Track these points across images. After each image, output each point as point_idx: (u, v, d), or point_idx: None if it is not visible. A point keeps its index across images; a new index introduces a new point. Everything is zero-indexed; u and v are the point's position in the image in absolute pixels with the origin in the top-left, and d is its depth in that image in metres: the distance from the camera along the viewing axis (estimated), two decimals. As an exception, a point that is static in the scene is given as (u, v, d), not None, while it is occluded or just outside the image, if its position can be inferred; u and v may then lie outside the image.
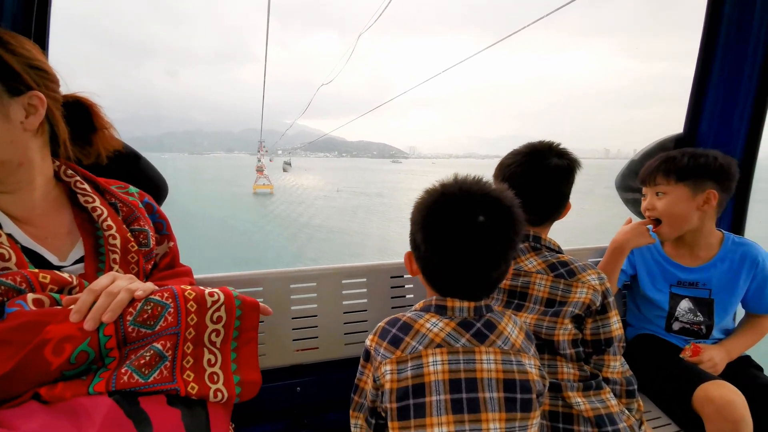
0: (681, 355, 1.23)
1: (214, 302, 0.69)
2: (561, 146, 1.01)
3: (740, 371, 1.24)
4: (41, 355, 0.57)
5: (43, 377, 0.58)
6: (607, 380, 0.95)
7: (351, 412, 0.81)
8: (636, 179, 1.69)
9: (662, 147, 1.63)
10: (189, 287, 0.69)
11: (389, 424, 0.68)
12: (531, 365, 0.72)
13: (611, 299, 0.96)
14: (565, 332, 0.92)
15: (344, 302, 1.26)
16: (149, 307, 0.65)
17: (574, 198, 1.06)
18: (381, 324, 0.76)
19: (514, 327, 0.75)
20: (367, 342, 0.75)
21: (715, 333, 1.30)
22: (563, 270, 0.97)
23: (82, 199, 0.82)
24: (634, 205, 1.69)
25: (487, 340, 0.70)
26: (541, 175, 0.98)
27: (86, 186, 0.84)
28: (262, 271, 1.20)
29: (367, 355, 0.75)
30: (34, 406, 0.57)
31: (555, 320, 0.92)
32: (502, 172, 1.02)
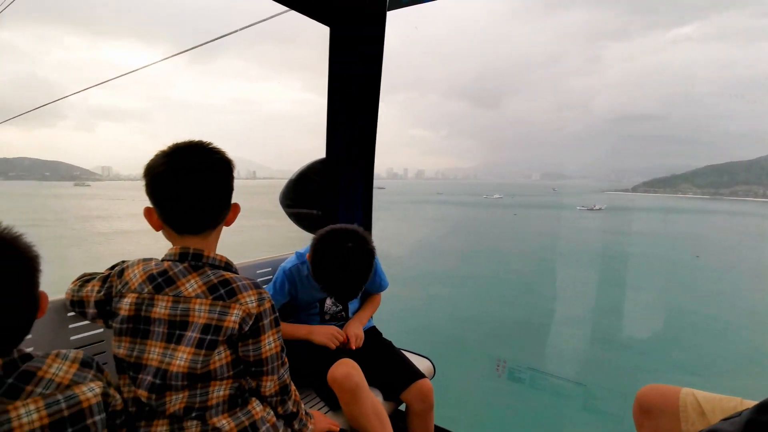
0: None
1: None
2: (211, 145, 0.93)
3: (373, 337, 1.64)
4: None
5: None
6: (263, 398, 0.96)
7: None
8: (294, 196, 1.95)
9: (312, 168, 1.95)
10: None
11: None
12: (88, 390, 0.71)
13: (267, 320, 0.92)
14: (219, 359, 0.88)
15: None
16: None
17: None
18: None
19: (62, 363, 0.72)
20: None
21: (351, 315, 1.66)
22: (223, 291, 0.89)
23: None
24: (297, 219, 1.94)
25: (23, 393, 0.65)
26: (192, 173, 0.88)
27: None
28: None
29: None
30: None
31: (210, 353, 0.87)
32: (147, 175, 0.90)
